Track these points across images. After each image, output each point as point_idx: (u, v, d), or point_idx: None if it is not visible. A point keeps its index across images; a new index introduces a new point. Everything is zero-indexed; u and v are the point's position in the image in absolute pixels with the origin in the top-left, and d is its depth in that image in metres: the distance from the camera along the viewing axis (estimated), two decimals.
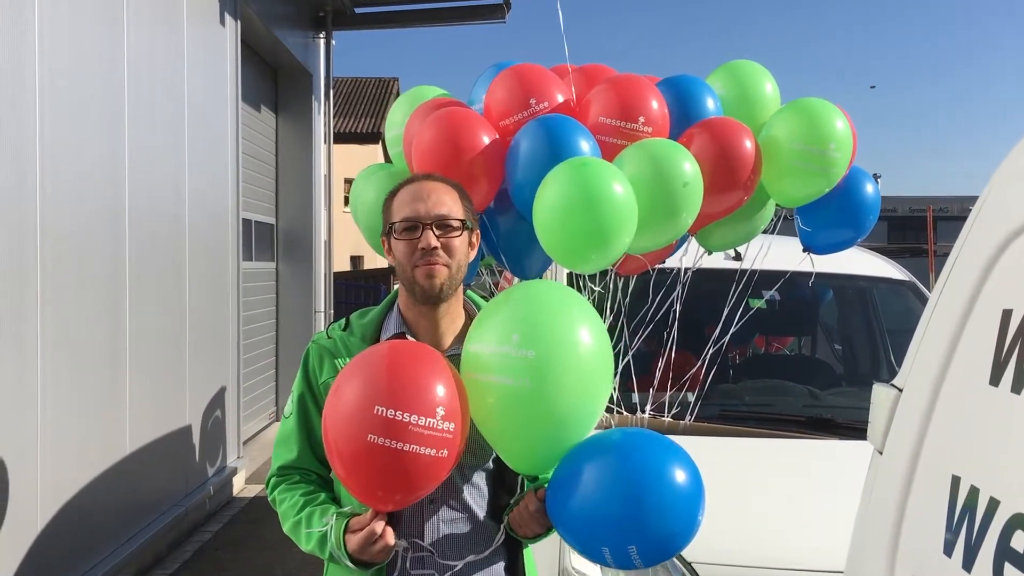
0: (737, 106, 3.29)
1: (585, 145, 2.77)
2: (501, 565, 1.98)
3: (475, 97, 3.25)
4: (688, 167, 2.79)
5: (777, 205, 3.46)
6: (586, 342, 1.73)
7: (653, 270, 3.40)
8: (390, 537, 1.73)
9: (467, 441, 1.78)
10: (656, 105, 2.97)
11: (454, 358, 1.83)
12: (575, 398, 1.72)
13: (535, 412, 1.70)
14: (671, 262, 3.56)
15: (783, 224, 3.78)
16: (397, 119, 3.33)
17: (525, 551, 2.04)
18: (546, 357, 1.67)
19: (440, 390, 1.66)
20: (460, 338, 1.92)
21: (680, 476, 1.70)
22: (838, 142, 3.11)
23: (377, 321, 2.02)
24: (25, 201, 4.00)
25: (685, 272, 3.49)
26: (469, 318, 1.99)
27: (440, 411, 1.63)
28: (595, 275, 3.21)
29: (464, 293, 2.05)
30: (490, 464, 1.96)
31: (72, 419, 4.44)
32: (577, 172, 2.55)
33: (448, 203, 1.91)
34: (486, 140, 2.85)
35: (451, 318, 1.97)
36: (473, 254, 2.00)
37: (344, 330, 2.02)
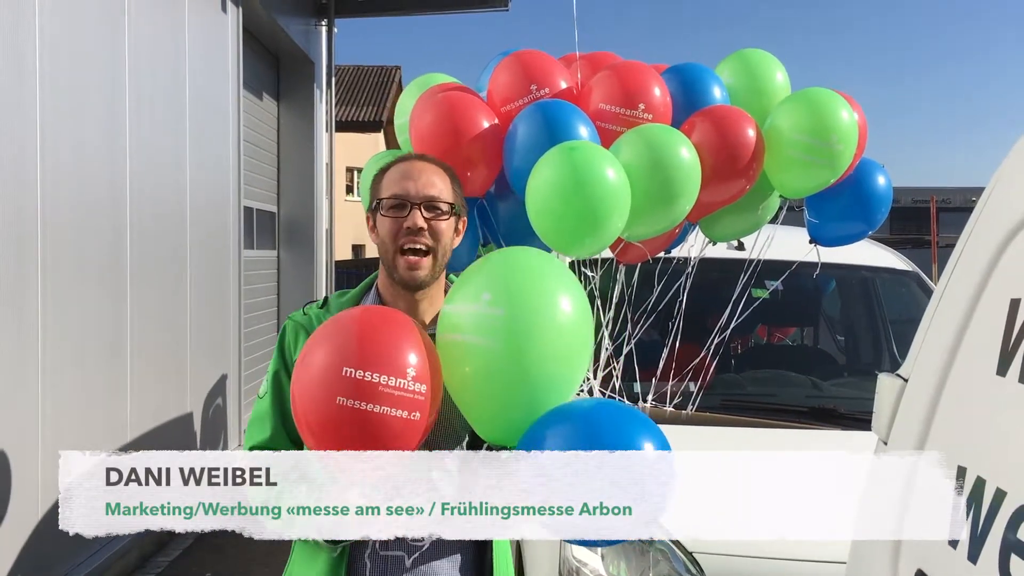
0: (746, 95, 3.25)
1: (583, 130, 2.74)
2: (469, 556, 1.91)
3: (483, 84, 3.23)
4: (685, 153, 2.77)
5: (781, 196, 3.43)
6: (559, 304, 1.66)
7: (656, 260, 3.38)
8: None
9: (439, 424, 1.75)
10: (658, 92, 2.94)
11: (431, 338, 1.78)
12: (546, 361, 1.64)
13: (504, 373, 1.63)
14: (674, 251, 3.53)
15: (790, 214, 3.74)
16: (407, 106, 3.28)
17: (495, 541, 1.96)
18: (515, 316, 1.61)
19: (409, 350, 1.61)
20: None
21: (647, 444, 1.59)
22: (841, 134, 3.04)
23: (355, 300, 1.99)
24: (25, 190, 3.99)
25: (686, 262, 3.46)
26: None
27: (411, 372, 1.59)
28: (596, 262, 3.19)
29: (447, 277, 2.01)
30: (462, 448, 1.92)
31: (73, 407, 4.43)
32: (567, 156, 2.53)
33: (439, 185, 1.88)
34: (485, 124, 2.83)
35: (431, 300, 1.94)
36: (458, 240, 1.96)
37: (322, 308, 1.98)
